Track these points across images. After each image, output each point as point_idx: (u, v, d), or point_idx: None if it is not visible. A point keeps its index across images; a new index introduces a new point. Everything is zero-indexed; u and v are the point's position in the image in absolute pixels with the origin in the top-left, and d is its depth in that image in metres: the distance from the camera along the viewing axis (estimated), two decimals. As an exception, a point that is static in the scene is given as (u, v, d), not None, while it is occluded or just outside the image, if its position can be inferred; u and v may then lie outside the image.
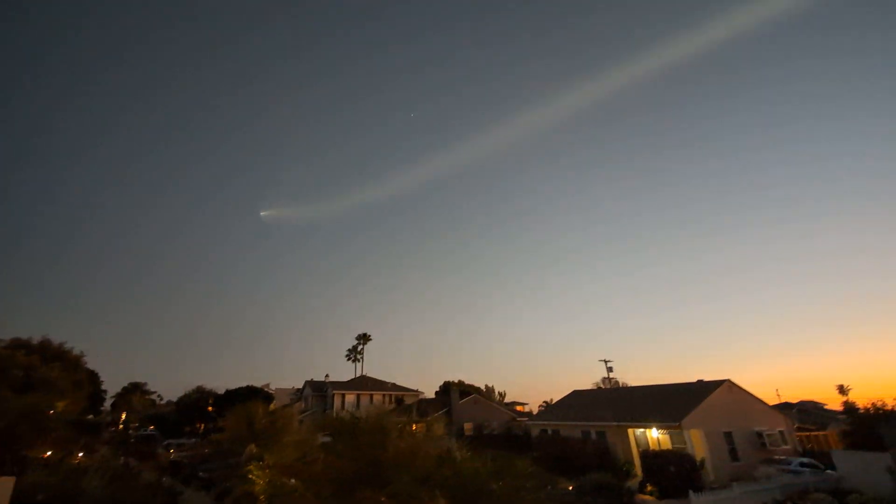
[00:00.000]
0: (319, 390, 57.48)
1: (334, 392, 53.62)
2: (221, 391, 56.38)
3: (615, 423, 30.18)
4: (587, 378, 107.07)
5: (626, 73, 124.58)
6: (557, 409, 40.48)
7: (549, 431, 35.29)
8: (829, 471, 24.07)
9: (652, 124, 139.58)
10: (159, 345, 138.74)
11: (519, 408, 69.13)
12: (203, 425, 53.36)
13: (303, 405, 58.88)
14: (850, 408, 32.31)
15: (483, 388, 73.41)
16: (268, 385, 68.23)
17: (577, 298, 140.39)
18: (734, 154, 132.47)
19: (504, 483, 8.46)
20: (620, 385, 50.98)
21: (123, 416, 65.74)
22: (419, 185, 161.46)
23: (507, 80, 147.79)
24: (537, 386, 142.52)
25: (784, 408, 46.36)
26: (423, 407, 47.98)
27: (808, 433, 34.75)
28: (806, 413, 49.58)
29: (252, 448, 17.37)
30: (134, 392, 76.10)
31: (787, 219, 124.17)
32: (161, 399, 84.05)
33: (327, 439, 15.69)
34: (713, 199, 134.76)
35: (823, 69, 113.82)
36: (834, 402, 56.43)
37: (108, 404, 68.93)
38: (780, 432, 29.82)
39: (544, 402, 68.74)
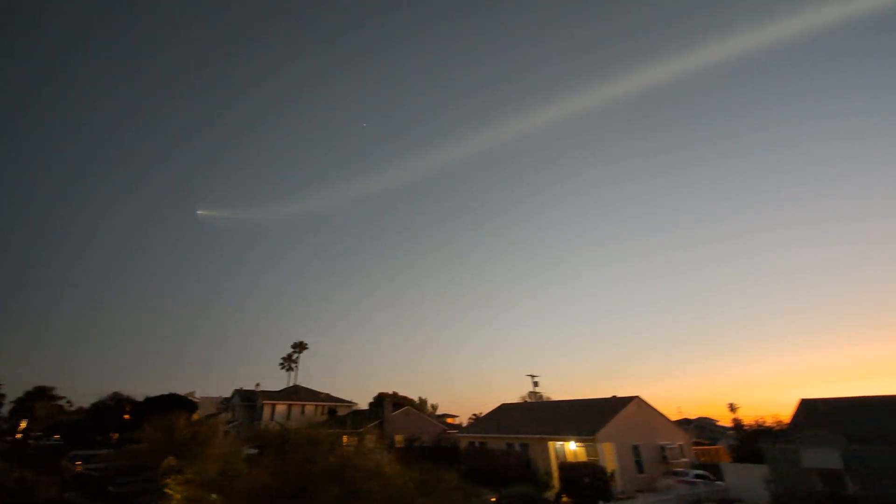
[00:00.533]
0: (249, 400, 54.19)
1: (264, 402, 50.75)
2: (141, 398, 51.75)
3: (537, 436, 30.91)
4: (518, 391, 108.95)
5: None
6: (485, 423, 40.84)
7: (477, 444, 35.48)
8: (718, 482, 25.99)
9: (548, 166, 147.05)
10: (74, 347, 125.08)
11: (449, 420, 69.11)
12: (118, 435, 48.51)
13: (230, 415, 55.22)
14: (737, 425, 35.30)
15: (416, 400, 72.77)
16: (192, 393, 63.56)
17: (513, 312, 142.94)
18: (647, 178, 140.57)
19: (431, 499, 8.40)
20: (544, 399, 52.48)
21: (23, 424, 58.37)
22: (366, 197, 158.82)
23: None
24: (470, 398, 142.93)
25: (684, 423, 49.73)
26: (357, 419, 46.67)
27: (702, 447, 37.43)
28: (702, 429, 53.46)
29: (171, 460, 16.01)
30: (39, 397, 67.73)
31: (692, 244, 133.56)
32: (71, 405, 75.33)
33: (254, 452, 14.82)
34: (623, 224, 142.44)
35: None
36: (726, 419, 61.30)
37: (6, 410, 60.95)
38: (680, 446, 31.86)
39: (474, 414, 69.15)
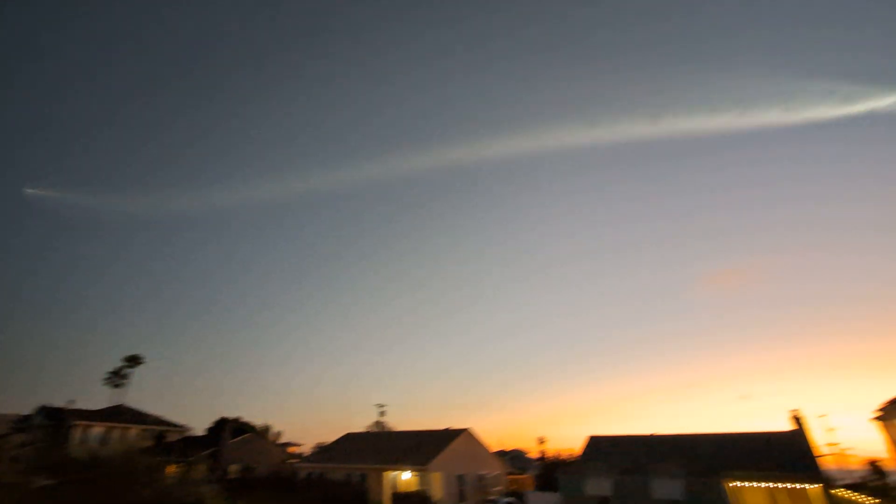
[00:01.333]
0: (56, 419, 43.50)
1: (76, 422, 41.26)
2: None
3: (375, 466, 30.58)
4: (366, 419, 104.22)
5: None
6: (328, 452, 38.99)
7: (317, 474, 33.53)
8: (523, 507, 28.47)
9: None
10: None
11: (292, 448, 63.89)
12: None
13: (26, 437, 43.46)
14: (541, 457, 39.32)
15: (262, 426, 65.99)
16: (-24, 408, 48.97)
17: (371, 342, 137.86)
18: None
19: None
20: (389, 429, 52.06)
21: None
22: (234, 207, 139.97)
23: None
24: (320, 426, 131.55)
25: (500, 454, 53.38)
26: (190, 445, 40.63)
27: (514, 476, 40.64)
28: (515, 459, 57.82)
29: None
30: None
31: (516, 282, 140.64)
32: None
33: (51, 483, 12.26)
34: (461, 264, 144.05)
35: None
36: (535, 451, 67.34)
37: None
38: (496, 475, 34.26)
39: (317, 443, 65.07)
